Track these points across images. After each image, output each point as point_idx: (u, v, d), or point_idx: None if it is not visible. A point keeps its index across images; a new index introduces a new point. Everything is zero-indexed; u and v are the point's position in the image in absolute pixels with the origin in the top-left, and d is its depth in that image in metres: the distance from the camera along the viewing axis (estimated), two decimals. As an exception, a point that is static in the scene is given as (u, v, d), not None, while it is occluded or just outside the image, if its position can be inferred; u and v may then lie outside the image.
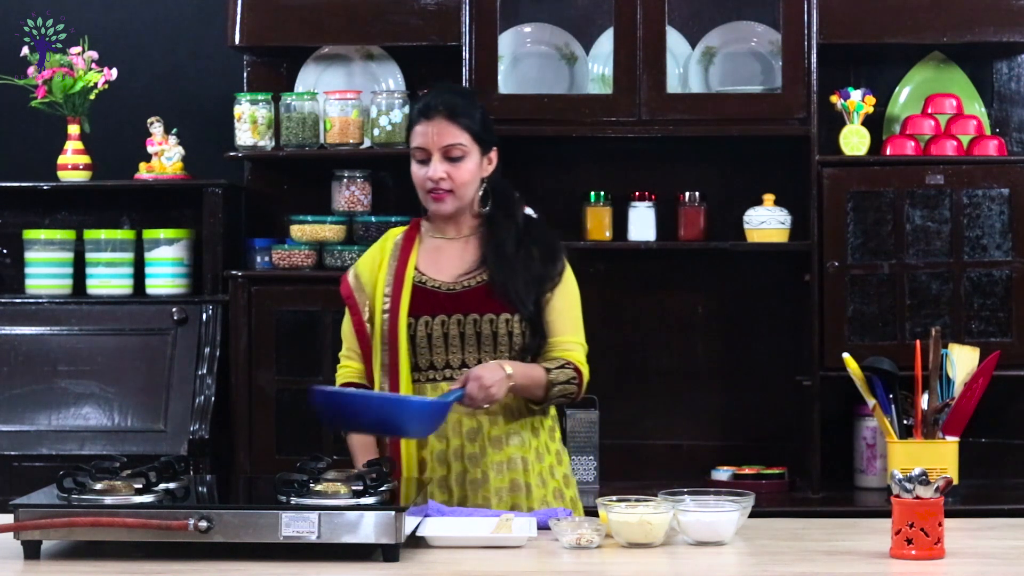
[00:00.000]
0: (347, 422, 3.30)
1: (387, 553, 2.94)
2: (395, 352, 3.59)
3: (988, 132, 4.93)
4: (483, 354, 3.58)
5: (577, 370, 3.63)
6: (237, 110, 4.92)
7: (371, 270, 3.69)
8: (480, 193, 3.66)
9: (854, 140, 4.83)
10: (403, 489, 3.30)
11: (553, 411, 3.74)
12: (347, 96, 4.90)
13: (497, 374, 3.46)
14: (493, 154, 3.67)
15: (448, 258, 3.67)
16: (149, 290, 4.98)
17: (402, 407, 3.32)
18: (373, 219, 4.87)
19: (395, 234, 3.74)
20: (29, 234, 5.04)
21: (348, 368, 3.72)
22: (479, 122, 3.63)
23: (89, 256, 5.01)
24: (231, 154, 4.94)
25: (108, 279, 4.98)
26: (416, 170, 3.62)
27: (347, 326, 3.72)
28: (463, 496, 3.56)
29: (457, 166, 3.59)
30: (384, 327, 3.61)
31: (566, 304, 3.68)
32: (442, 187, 3.59)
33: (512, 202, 3.71)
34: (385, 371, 3.61)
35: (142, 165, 5.02)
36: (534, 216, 3.78)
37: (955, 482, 4.36)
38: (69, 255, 5.04)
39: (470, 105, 3.64)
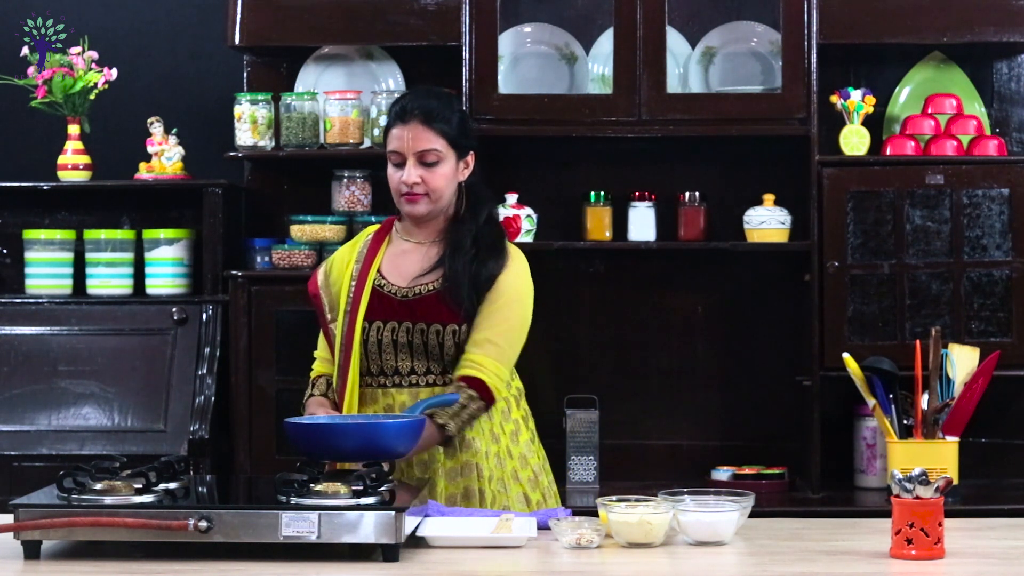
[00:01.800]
0: (327, 452, 3.26)
1: (387, 553, 2.94)
2: (348, 355, 3.60)
3: (988, 132, 4.93)
4: (431, 362, 3.58)
5: (479, 388, 3.51)
6: (237, 110, 4.92)
7: (339, 269, 3.71)
8: (455, 197, 3.66)
9: (854, 140, 4.83)
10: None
11: (516, 415, 3.70)
12: (347, 96, 4.90)
13: None
14: (470, 158, 3.66)
15: (410, 262, 3.66)
16: (149, 290, 4.98)
17: (380, 431, 3.28)
18: (373, 219, 4.87)
19: (368, 233, 3.75)
20: (29, 234, 5.04)
21: (316, 369, 3.75)
22: (456, 127, 3.61)
23: (89, 256, 5.02)
24: (231, 154, 4.94)
25: (108, 279, 4.99)
26: (391, 173, 3.64)
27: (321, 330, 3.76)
28: None
29: (432, 171, 3.59)
30: (343, 329, 3.63)
31: (494, 307, 3.57)
32: (416, 191, 3.60)
33: (480, 204, 3.69)
34: (340, 373, 3.62)
35: (142, 165, 5.02)
36: (496, 218, 3.75)
37: (955, 482, 4.36)
38: (69, 255, 5.04)
39: (447, 109, 3.62)
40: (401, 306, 3.60)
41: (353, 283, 3.65)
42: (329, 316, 3.69)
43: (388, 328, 3.59)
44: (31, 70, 4.95)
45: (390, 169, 3.64)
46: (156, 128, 5.01)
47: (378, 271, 3.65)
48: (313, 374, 3.77)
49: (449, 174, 3.61)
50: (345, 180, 4.93)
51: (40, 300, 4.93)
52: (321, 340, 3.75)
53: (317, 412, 3.59)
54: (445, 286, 3.58)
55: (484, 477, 3.59)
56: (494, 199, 3.79)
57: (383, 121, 4.83)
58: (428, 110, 3.59)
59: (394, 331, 3.59)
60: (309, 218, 4.90)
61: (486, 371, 3.53)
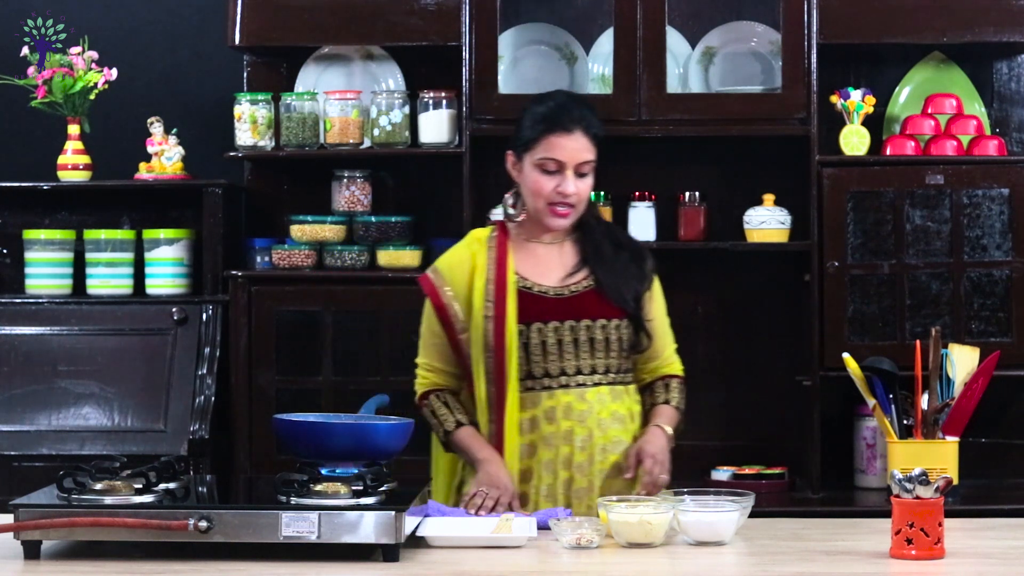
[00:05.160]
0: (316, 451, 3.25)
1: (387, 553, 2.94)
2: (502, 359, 3.53)
3: (988, 132, 4.93)
4: (595, 359, 3.57)
5: (684, 381, 3.78)
6: (237, 110, 4.92)
7: (463, 277, 3.61)
8: None
9: (854, 140, 4.83)
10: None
11: (637, 408, 3.70)
12: (347, 96, 4.90)
13: (663, 443, 3.58)
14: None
15: (547, 262, 3.63)
16: (149, 290, 4.98)
17: (372, 432, 3.27)
18: (373, 219, 4.87)
19: (482, 237, 3.67)
20: (29, 234, 5.04)
21: (428, 379, 3.67)
22: (601, 139, 3.63)
23: (89, 256, 5.02)
24: (231, 154, 4.94)
25: (108, 279, 4.98)
26: (543, 180, 3.55)
27: (429, 336, 3.65)
28: (567, 503, 3.54)
29: (584, 181, 3.59)
30: (488, 335, 3.55)
31: (660, 309, 3.71)
32: (570, 202, 3.57)
33: (594, 206, 3.73)
34: (491, 379, 3.56)
35: (142, 165, 5.02)
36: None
37: (955, 482, 4.36)
38: (69, 255, 5.04)
39: (598, 123, 3.62)
40: (558, 305, 3.58)
41: (491, 287, 3.58)
42: (459, 327, 3.61)
43: (550, 328, 3.56)
44: (31, 70, 4.95)
45: (539, 175, 3.56)
46: (156, 128, 5.01)
47: (516, 273, 3.60)
48: (424, 387, 3.66)
49: (592, 184, 3.63)
50: (345, 180, 4.93)
51: (40, 300, 4.92)
52: (438, 351, 3.64)
53: (475, 445, 3.56)
54: (604, 289, 3.59)
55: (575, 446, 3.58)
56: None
57: (383, 121, 4.84)
58: (590, 123, 3.58)
59: (557, 331, 3.57)
60: (309, 218, 4.90)
61: (680, 369, 3.80)
